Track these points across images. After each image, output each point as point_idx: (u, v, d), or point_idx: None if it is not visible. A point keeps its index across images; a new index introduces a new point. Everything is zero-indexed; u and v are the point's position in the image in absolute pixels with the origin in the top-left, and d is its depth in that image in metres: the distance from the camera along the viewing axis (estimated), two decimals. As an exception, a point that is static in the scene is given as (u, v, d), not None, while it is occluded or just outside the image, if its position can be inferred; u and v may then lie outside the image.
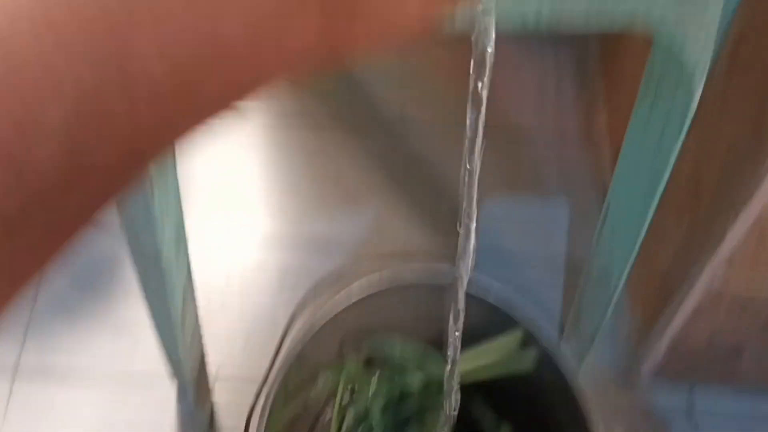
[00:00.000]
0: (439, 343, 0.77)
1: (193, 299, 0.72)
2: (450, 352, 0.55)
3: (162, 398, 0.87)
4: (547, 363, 0.71)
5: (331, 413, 0.77)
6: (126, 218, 0.62)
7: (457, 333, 0.52)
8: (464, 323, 0.56)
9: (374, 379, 0.79)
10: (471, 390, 0.79)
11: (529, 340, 0.73)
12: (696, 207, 0.80)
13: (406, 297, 0.74)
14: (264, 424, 0.65)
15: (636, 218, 0.67)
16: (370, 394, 0.79)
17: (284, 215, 1.03)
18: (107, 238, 0.65)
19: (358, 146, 1.07)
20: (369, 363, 0.81)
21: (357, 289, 0.72)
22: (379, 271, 0.75)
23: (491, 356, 0.74)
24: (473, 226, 0.38)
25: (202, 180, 1.02)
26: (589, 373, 0.92)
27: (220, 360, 0.89)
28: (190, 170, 1.01)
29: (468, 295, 0.53)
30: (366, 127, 1.09)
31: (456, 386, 0.62)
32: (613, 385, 0.93)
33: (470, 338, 0.71)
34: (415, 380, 0.79)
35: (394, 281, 0.73)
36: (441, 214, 1.03)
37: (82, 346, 0.90)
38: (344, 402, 0.78)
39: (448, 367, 0.59)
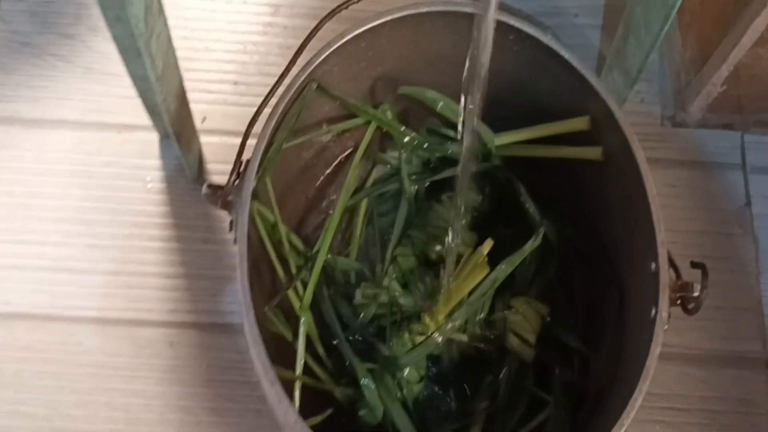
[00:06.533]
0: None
1: (163, 28, 0.58)
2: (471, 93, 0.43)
3: (144, 144, 0.77)
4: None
5: (350, 163, 0.65)
6: None
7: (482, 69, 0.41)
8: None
9: (409, 134, 0.65)
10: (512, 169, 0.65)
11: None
12: None
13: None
14: (258, 161, 0.54)
15: None
16: (401, 151, 0.65)
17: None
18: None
19: None
20: (403, 115, 0.67)
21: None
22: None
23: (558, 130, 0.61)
24: None
25: None
26: (633, 113, 0.81)
27: (206, 108, 0.78)
28: None
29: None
30: None
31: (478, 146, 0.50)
32: (658, 126, 0.81)
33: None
34: (455, 149, 0.65)
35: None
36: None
37: (48, 92, 0.78)
38: (369, 153, 0.65)
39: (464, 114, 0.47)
